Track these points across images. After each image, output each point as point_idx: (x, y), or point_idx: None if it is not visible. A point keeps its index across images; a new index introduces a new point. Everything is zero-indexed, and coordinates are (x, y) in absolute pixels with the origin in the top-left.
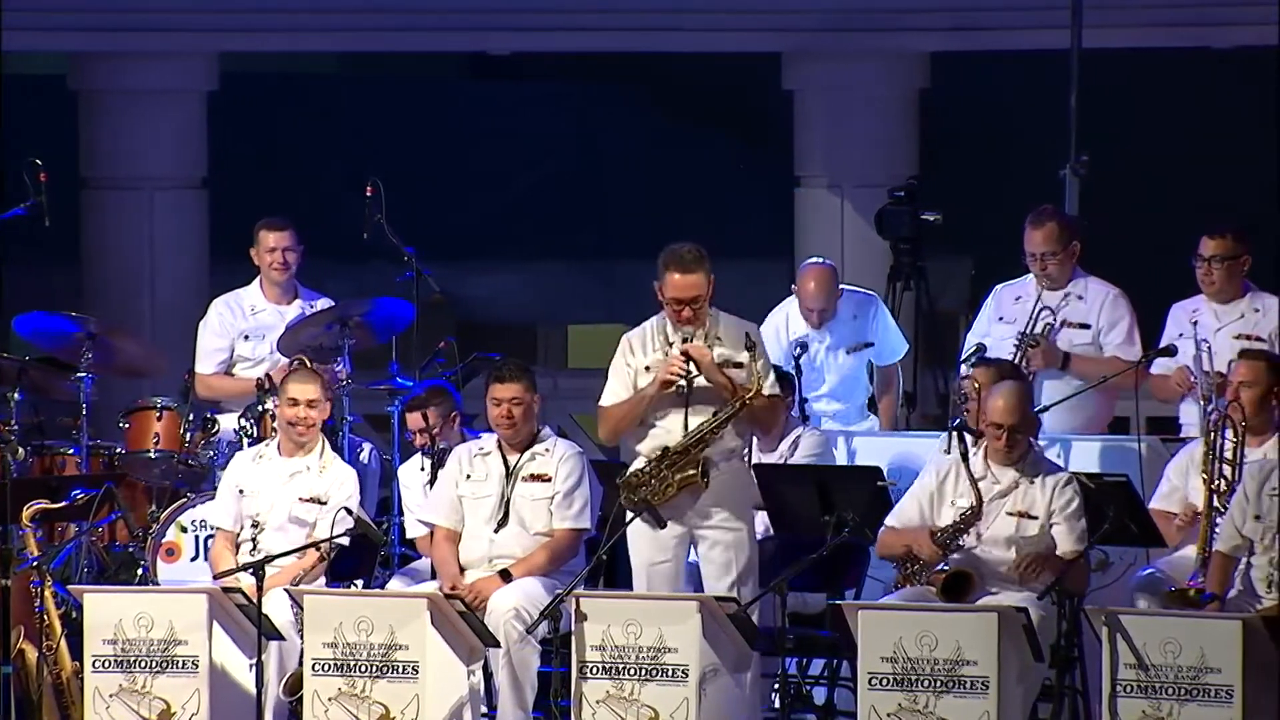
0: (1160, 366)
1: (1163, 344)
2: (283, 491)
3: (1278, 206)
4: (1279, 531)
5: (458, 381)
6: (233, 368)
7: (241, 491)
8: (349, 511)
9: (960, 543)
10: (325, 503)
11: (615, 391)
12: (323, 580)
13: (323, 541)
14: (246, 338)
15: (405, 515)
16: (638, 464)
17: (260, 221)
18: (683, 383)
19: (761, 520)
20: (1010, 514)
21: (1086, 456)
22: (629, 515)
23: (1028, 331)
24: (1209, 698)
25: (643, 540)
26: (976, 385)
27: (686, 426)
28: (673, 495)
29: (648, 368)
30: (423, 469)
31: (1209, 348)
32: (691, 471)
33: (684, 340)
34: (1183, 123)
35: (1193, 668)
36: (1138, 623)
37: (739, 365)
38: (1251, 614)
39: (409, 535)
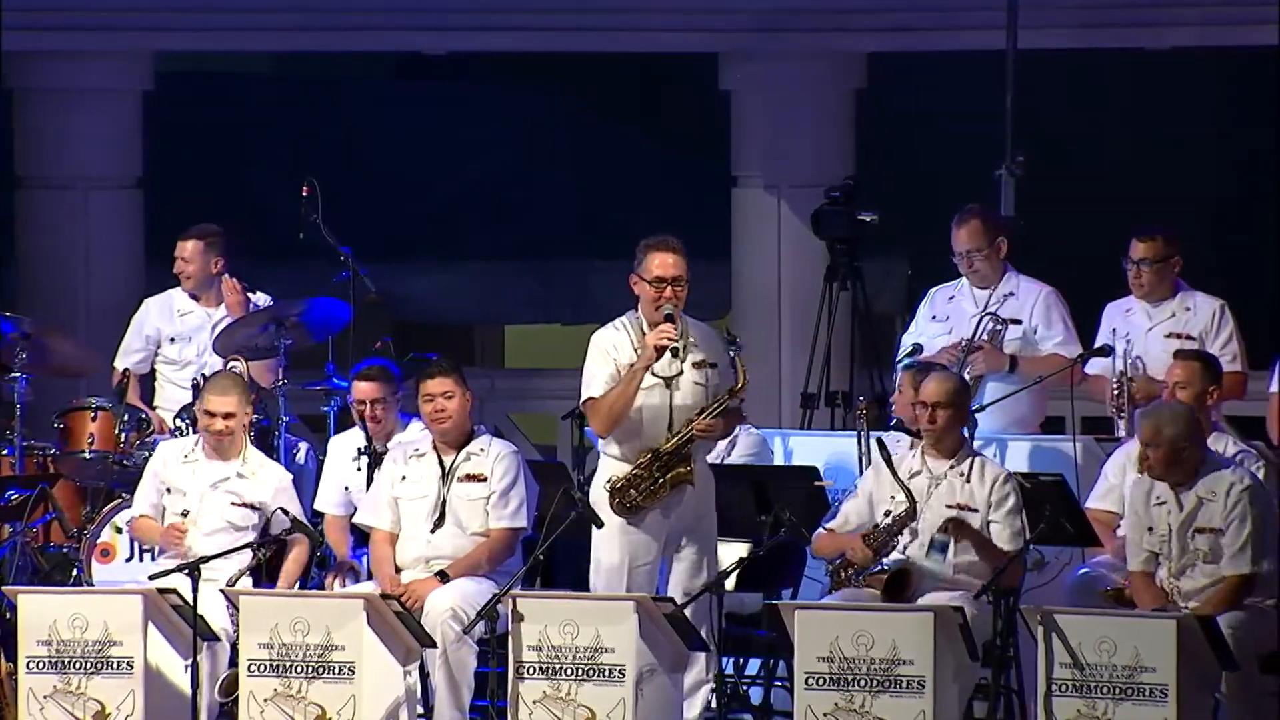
0: (1096, 366)
1: (1098, 344)
2: (212, 495)
3: (1214, 207)
4: (1168, 540)
5: None
6: (155, 366)
7: (169, 490)
8: (285, 513)
9: (895, 543)
10: (260, 509)
11: (604, 380)
12: (249, 580)
13: (259, 545)
14: (173, 340)
15: (320, 486)
16: (618, 467)
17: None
18: (676, 345)
19: None
20: (950, 507)
21: (1021, 456)
22: (566, 521)
23: (972, 340)
24: (1144, 697)
25: (624, 541)
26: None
27: (671, 428)
28: (665, 495)
29: (630, 365)
30: (358, 456)
31: (1131, 358)
32: (683, 469)
33: (666, 318)
34: (1117, 123)
35: (1128, 667)
36: (1073, 622)
37: (714, 366)
38: (1185, 613)
39: (318, 505)
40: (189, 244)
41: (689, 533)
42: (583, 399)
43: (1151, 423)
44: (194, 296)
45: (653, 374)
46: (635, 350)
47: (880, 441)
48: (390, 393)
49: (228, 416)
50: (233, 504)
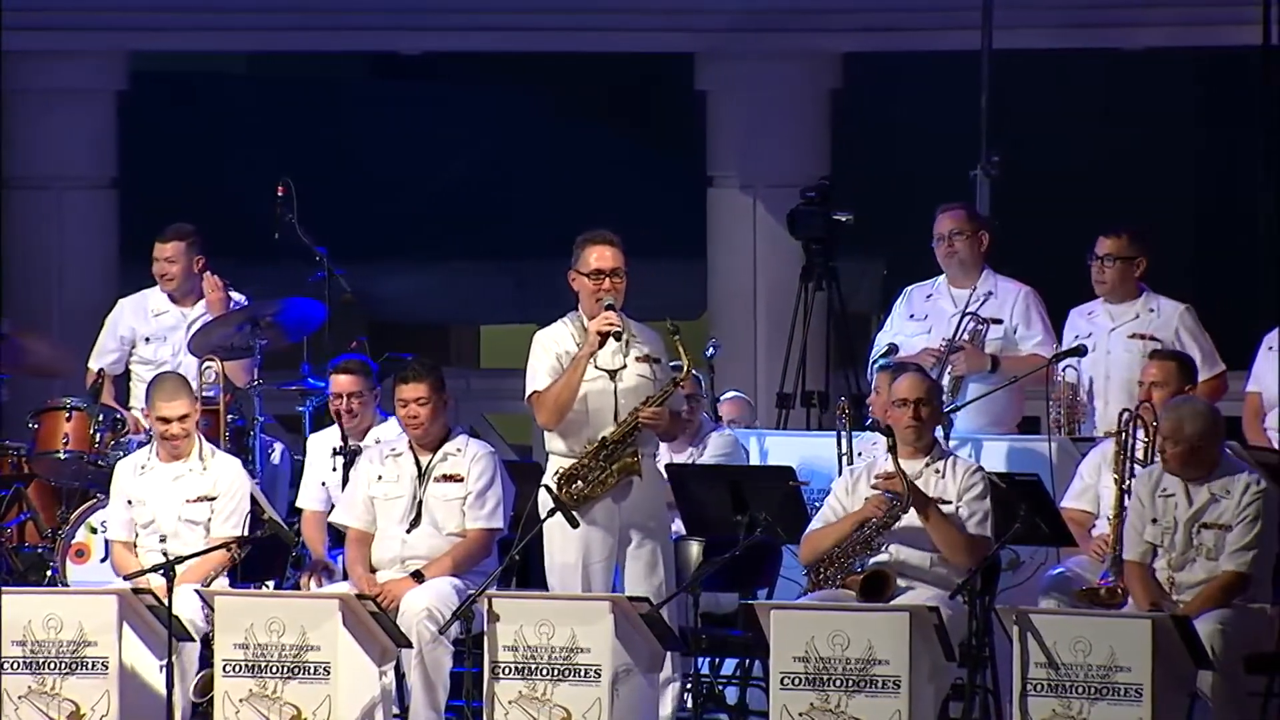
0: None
1: (1061, 349)
2: (170, 497)
3: (1191, 208)
4: (1174, 532)
5: None
6: (129, 367)
7: (129, 502)
8: (260, 513)
9: (880, 540)
10: (215, 498)
11: (546, 373)
12: (225, 580)
13: (232, 543)
14: (148, 340)
15: (302, 483)
16: (565, 463)
17: (164, 229)
18: (619, 330)
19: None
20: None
21: (997, 456)
22: (543, 515)
23: (954, 339)
24: (1119, 696)
25: (574, 540)
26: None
27: (617, 418)
28: (612, 484)
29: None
30: (333, 456)
31: (1085, 372)
32: (630, 459)
33: (607, 307)
34: (1093, 123)
35: (1103, 666)
36: (1048, 622)
37: (657, 360)
38: (1161, 613)
39: (299, 502)
40: (171, 245)
41: (641, 529)
42: (527, 393)
43: (1174, 419)
44: (172, 297)
45: (596, 367)
46: (577, 344)
47: (880, 428)
48: (368, 387)
49: (182, 419)
50: (187, 500)
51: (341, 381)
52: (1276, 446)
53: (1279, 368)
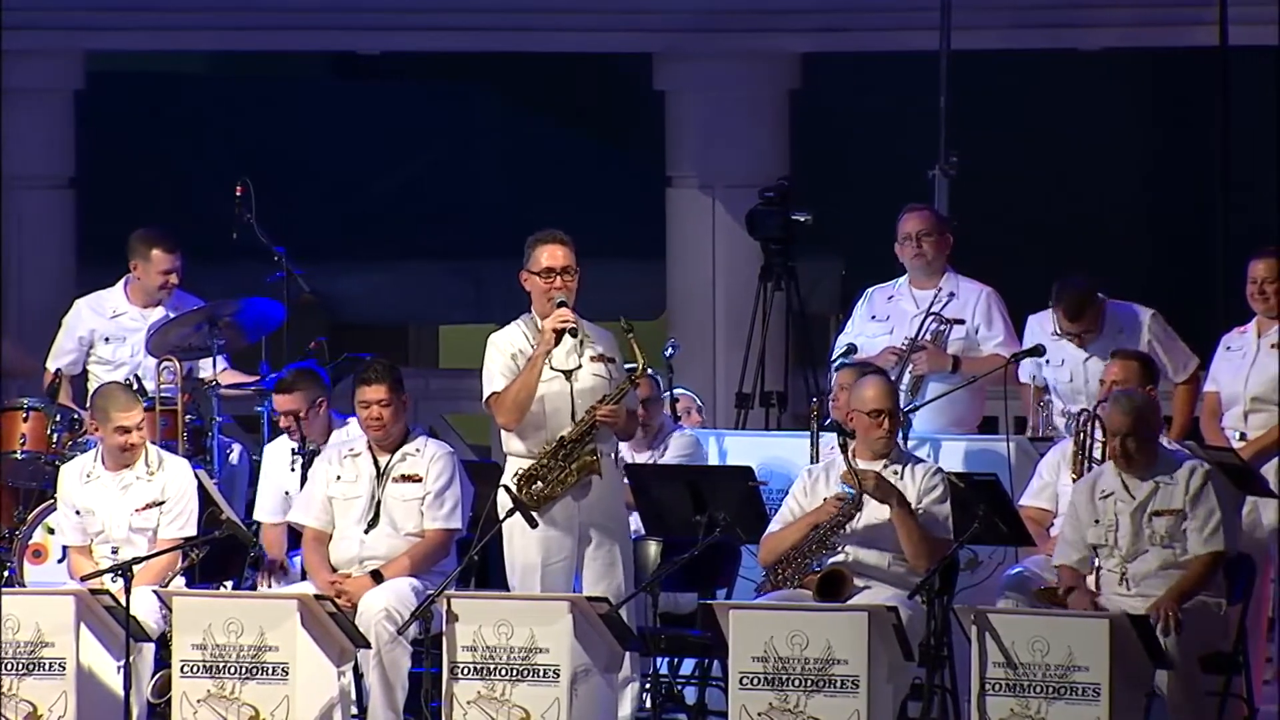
0: (1025, 375)
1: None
2: (119, 506)
3: (1148, 208)
4: (1115, 529)
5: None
6: (87, 367)
7: (78, 512)
8: (218, 514)
9: (835, 540)
10: (164, 502)
11: (503, 375)
12: (183, 581)
13: (190, 544)
14: (107, 340)
15: (258, 494)
16: (524, 461)
17: (150, 234)
18: (574, 326)
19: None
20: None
21: (956, 456)
22: (502, 515)
23: (916, 339)
24: (1077, 695)
25: (534, 540)
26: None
27: (574, 418)
28: (572, 483)
29: (528, 358)
30: (293, 458)
31: (1054, 383)
32: (589, 458)
33: (559, 304)
34: (1051, 124)
35: (1061, 666)
36: (1006, 621)
37: (612, 360)
38: (1119, 612)
39: (256, 515)
40: (177, 254)
41: (600, 529)
42: (485, 396)
43: (1122, 410)
44: (133, 299)
45: (551, 367)
46: (531, 345)
47: (841, 428)
48: (312, 399)
49: (139, 428)
50: (136, 509)
51: (280, 401)
52: (1234, 446)
53: (1236, 368)
